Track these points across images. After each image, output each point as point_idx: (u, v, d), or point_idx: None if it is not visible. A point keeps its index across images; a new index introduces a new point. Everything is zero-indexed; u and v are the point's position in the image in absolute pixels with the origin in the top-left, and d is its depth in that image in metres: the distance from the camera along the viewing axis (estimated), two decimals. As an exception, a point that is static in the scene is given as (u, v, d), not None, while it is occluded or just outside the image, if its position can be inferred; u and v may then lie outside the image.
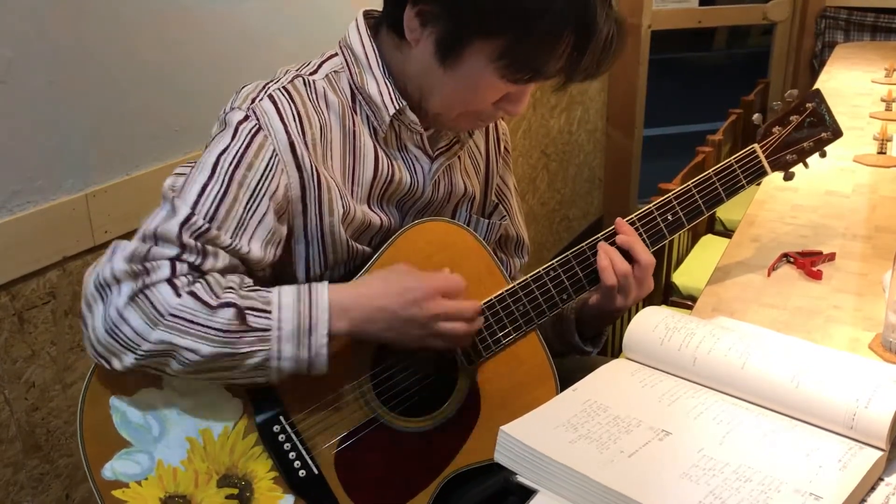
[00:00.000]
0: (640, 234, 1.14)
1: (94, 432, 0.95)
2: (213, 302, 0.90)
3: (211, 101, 1.53)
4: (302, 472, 1.00)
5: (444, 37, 0.95)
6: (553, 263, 1.11)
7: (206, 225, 0.92)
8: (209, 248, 0.92)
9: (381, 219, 1.08)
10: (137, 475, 0.96)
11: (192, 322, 0.89)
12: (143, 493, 0.95)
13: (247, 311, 0.91)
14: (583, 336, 1.20)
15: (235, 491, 0.98)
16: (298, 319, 0.92)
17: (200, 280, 0.91)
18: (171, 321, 0.88)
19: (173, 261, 0.90)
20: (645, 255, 1.11)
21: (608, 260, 1.10)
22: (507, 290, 1.09)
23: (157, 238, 0.91)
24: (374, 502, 1.03)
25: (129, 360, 0.90)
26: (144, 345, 0.89)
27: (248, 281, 0.96)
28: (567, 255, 1.11)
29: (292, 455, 1.00)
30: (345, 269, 1.07)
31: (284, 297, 0.93)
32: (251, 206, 0.95)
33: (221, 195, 0.93)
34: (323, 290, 0.95)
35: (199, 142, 1.54)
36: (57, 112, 1.28)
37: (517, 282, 1.10)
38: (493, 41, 0.93)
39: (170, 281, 0.89)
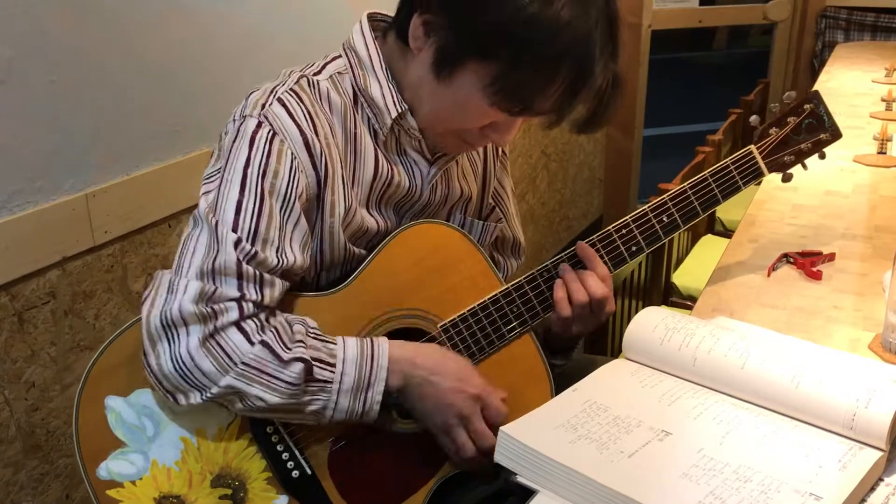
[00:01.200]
0: (636, 237, 1.14)
1: (89, 432, 0.96)
2: (285, 356, 0.92)
3: (211, 101, 1.53)
4: (295, 473, 1.00)
5: (442, 50, 0.96)
6: (547, 264, 1.11)
7: (254, 249, 0.93)
8: (265, 276, 0.94)
9: (377, 222, 1.08)
10: (132, 475, 0.96)
11: (262, 372, 0.91)
12: (137, 493, 0.95)
13: (314, 364, 0.94)
14: (552, 349, 1.20)
15: (229, 491, 0.98)
16: (359, 374, 0.95)
17: (271, 328, 0.93)
18: (242, 369, 0.91)
19: (239, 301, 0.92)
20: (599, 290, 1.09)
21: (564, 291, 1.10)
22: (500, 292, 1.09)
23: (216, 274, 0.92)
24: (368, 503, 1.03)
25: (195, 398, 0.92)
26: (213, 388, 0.91)
27: (313, 325, 0.98)
28: (524, 278, 1.11)
29: (285, 455, 1.00)
30: (341, 271, 1.07)
31: (349, 352, 0.96)
32: (285, 212, 0.97)
33: (258, 210, 0.94)
34: (384, 348, 0.98)
35: (198, 142, 1.54)
36: (57, 112, 1.28)
37: (511, 283, 1.10)
38: (488, 64, 0.92)
39: (238, 325, 0.91)
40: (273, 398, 0.92)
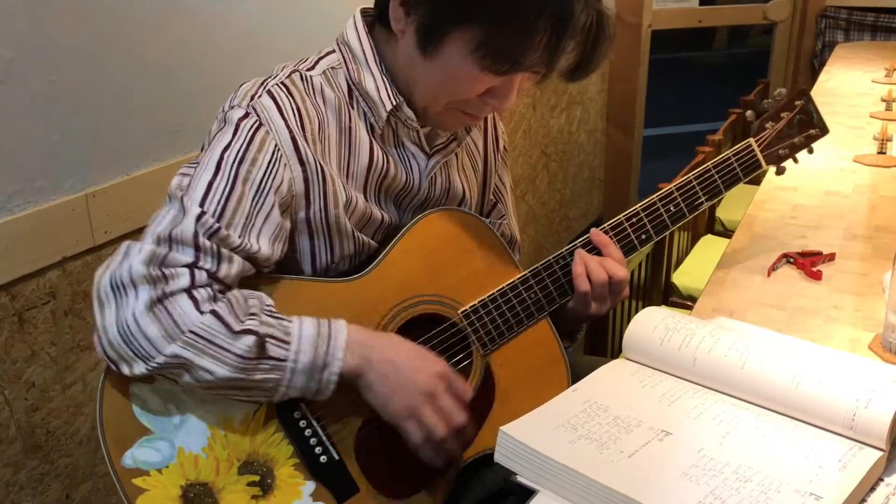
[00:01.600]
0: (645, 225, 1.17)
1: (113, 420, 0.95)
2: (236, 326, 0.90)
3: (211, 101, 1.53)
4: (323, 458, 1.00)
5: (424, 25, 0.96)
6: (563, 251, 1.14)
7: (217, 224, 0.92)
8: (224, 251, 0.92)
9: (381, 214, 1.08)
10: (158, 463, 0.95)
11: (211, 343, 0.89)
12: (163, 481, 0.95)
13: (267, 340, 0.92)
14: (559, 332, 1.20)
15: (257, 478, 0.97)
16: (315, 353, 0.94)
17: (223, 299, 0.91)
18: (189, 337, 0.88)
19: (191, 268, 0.90)
20: (618, 271, 1.12)
21: (583, 266, 1.11)
22: (519, 278, 1.11)
23: (172, 240, 0.91)
24: (393, 488, 1.03)
25: (139, 368, 0.90)
26: (159, 357, 0.88)
27: (269, 302, 0.96)
28: (540, 266, 1.13)
29: (313, 441, 1.00)
30: (350, 262, 1.07)
31: (305, 330, 0.94)
32: (257, 201, 0.96)
33: (228, 192, 0.94)
34: (342, 327, 0.96)
35: (198, 142, 1.53)
36: (57, 112, 1.28)
37: (529, 269, 1.12)
38: (470, 31, 0.93)
39: (189, 292, 0.89)
40: (221, 370, 0.89)
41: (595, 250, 1.14)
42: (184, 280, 0.90)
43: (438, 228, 1.09)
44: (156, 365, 0.89)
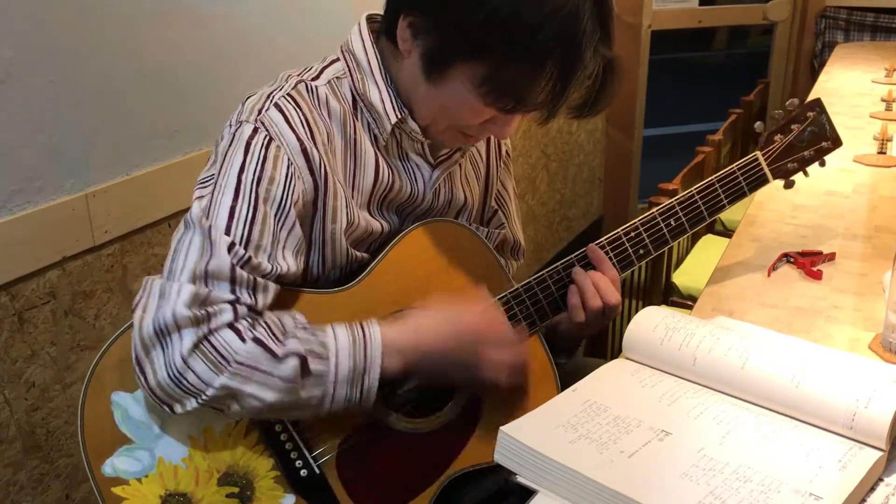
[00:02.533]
0: (643, 241, 1.15)
1: (94, 428, 0.95)
2: (279, 352, 0.91)
3: (211, 101, 1.53)
4: (303, 472, 1.00)
5: (429, 52, 0.95)
6: (557, 266, 1.12)
7: (246, 253, 0.92)
8: (259, 281, 0.93)
9: (381, 225, 1.08)
10: (138, 472, 0.95)
11: (255, 370, 0.90)
12: (143, 491, 0.95)
13: (308, 358, 0.92)
14: (554, 349, 1.20)
15: (236, 489, 0.98)
16: (353, 362, 0.94)
17: (262, 324, 0.92)
18: (236, 368, 0.89)
19: (234, 304, 0.91)
20: (613, 297, 1.11)
21: (578, 298, 1.11)
22: (510, 292, 1.09)
23: (208, 277, 0.91)
24: (375, 503, 1.03)
25: (191, 404, 0.90)
26: (209, 391, 0.89)
27: (301, 319, 0.97)
28: (536, 278, 1.12)
29: (294, 454, 1.00)
30: (342, 272, 1.07)
31: (340, 340, 0.95)
32: (280, 219, 0.96)
33: (252, 216, 0.93)
34: (376, 332, 0.96)
35: (198, 142, 1.54)
36: (57, 112, 1.28)
37: (522, 283, 1.10)
38: (476, 65, 0.92)
39: (232, 326, 0.90)
40: (269, 395, 0.90)
41: (590, 266, 1.13)
42: (227, 315, 0.90)
43: (429, 240, 1.07)
44: (206, 398, 0.89)
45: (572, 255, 1.13)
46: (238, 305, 0.91)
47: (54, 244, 1.29)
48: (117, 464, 0.95)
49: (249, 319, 0.92)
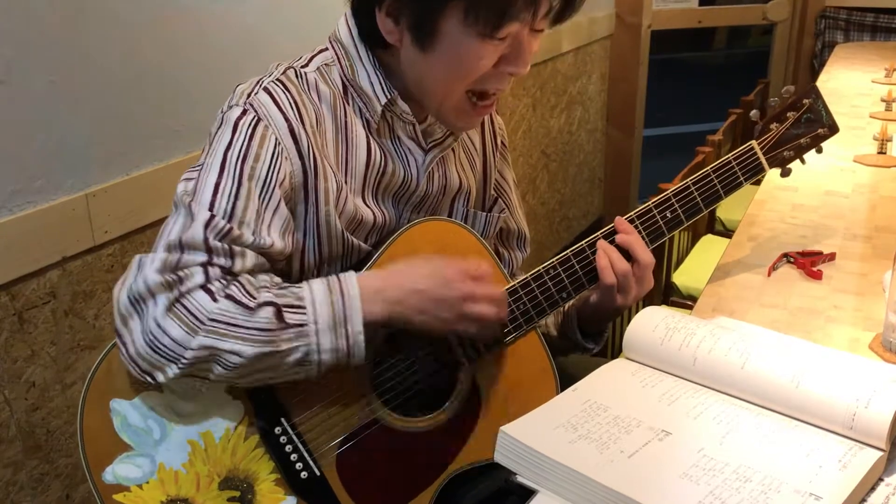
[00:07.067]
0: (640, 232, 1.14)
1: (94, 435, 0.95)
2: (251, 303, 0.90)
3: (211, 101, 1.53)
4: (304, 474, 1.00)
5: (416, 22, 0.96)
6: (553, 262, 1.11)
7: (228, 225, 0.92)
8: (236, 248, 0.93)
9: (374, 214, 1.08)
10: (139, 479, 0.95)
11: (232, 325, 0.89)
12: (144, 497, 0.95)
13: (283, 309, 0.91)
14: (584, 333, 1.21)
15: (237, 493, 0.98)
16: (333, 310, 0.93)
17: (234, 282, 0.92)
18: (211, 326, 0.89)
19: (205, 266, 0.91)
20: (644, 255, 1.12)
21: (607, 259, 1.10)
22: (507, 289, 1.09)
23: (183, 246, 0.91)
24: (375, 503, 1.03)
25: (172, 370, 0.90)
26: (187, 353, 0.88)
27: (278, 279, 0.97)
28: (567, 254, 1.11)
29: (294, 456, 1.00)
30: (341, 265, 1.07)
31: (316, 291, 0.94)
32: (265, 197, 0.96)
33: (235, 191, 0.94)
34: (352, 278, 0.96)
35: (199, 142, 1.54)
36: (57, 112, 1.28)
37: (518, 280, 1.10)
38: (455, 5, 0.93)
39: (204, 287, 0.90)
40: (248, 349, 0.89)
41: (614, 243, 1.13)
42: (198, 277, 0.90)
43: (425, 238, 1.07)
44: (186, 362, 0.89)
45: (598, 233, 1.13)
46: (210, 267, 0.91)
47: (54, 244, 1.29)
48: (118, 471, 0.95)
49: (223, 281, 0.91)
